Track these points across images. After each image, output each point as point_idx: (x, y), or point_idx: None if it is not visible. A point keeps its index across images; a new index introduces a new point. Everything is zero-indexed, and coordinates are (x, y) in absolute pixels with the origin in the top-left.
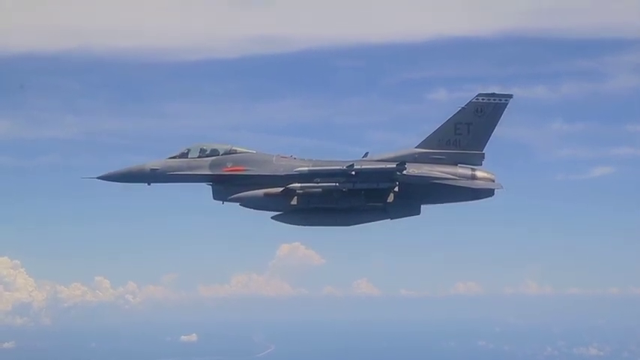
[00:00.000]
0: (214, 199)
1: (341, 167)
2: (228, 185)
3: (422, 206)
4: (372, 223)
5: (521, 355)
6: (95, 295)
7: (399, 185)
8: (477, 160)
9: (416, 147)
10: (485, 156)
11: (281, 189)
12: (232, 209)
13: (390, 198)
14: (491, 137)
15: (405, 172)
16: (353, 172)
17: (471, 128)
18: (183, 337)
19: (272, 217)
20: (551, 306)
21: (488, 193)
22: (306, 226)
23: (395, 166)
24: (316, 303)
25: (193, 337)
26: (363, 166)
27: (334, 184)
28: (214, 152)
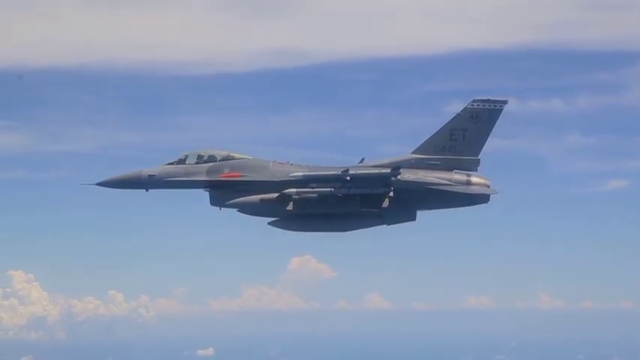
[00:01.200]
0: (212, 204)
1: (336, 172)
2: (226, 191)
3: (421, 213)
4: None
5: None
6: (108, 309)
7: (394, 191)
8: (472, 166)
9: (412, 153)
10: (481, 162)
11: (277, 194)
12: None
13: (385, 203)
14: (489, 145)
15: (399, 177)
16: (348, 178)
17: (467, 134)
18: (200, 351)
19: (269, 223)
20: (566, 320)
21: (484, 198)
22: (302, 232)
23: (389, 171)
24: (329, 317)
25: (210, 352)
26: (357, 172)
27: (329, 189)
28: (212, 158)
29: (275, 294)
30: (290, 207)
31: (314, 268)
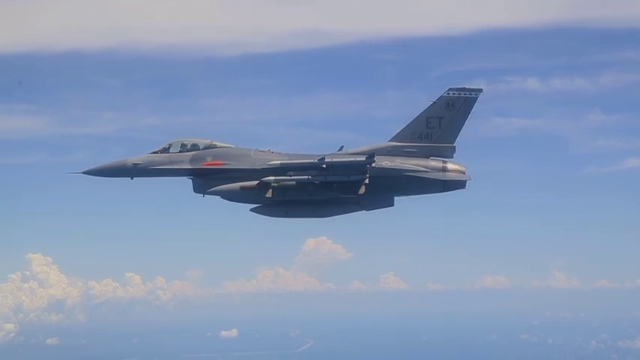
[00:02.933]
0: (195, 192)
1: (312, 160)
2: (208, 179)
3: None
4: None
5: (569, 349)
6: (126, 291)
7: (371, 177)
8: (448, 153)
9: (389, 140)
10: (456, 148)
11: (257, 182)
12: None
13: (362, 190)
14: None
15: (376, 164)
16: (324, 165)
17: (443, 122)
18: (223, 332)
19: (251, 210)
20: (582, 298)
21: (460, 184)
22: (283, 218)
23: (364, 158)
24: (344, 297)
25: (234, 333)
26: (333, 159)
27: (307, 177)
28: (195, 147)
29: (290, 275)
30: (269, 194)
31: (329, 249)
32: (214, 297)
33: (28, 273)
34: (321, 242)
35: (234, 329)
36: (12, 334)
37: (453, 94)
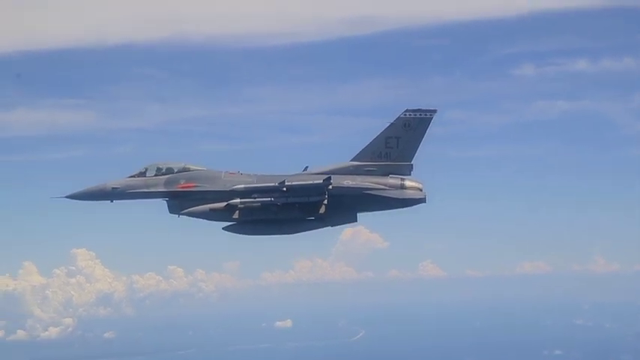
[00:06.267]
0: (170, 213)
1: (274, 184)
2: (182, 200)
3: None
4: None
5: (631, 334)
6: (169, 284)
7: (333, 196)
8: (406, 171)
9: (351, 160)
10: (414, 166)
11: (225, 204)
12: None
13: (322, 209)
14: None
15: (338, 183)
16: (284, 189)
17: (400, 142)
18: (278, 322)
19: (223, 228)
20: (627, 282)
21: (417, 201)
22: (253, 236)
23: (321, 181)
24: (384, 286)
25: (288, 323)
26: (293, 183)
27: (270, 199)
28: (169, 170)
29: (328, 265)
30: (236, 215)
31: (366, 238)
32: (254, 288)
33: (73, 268)
34: (358, 232)
35: (289, 319)
36: (70, 329)
37: (410, 115)
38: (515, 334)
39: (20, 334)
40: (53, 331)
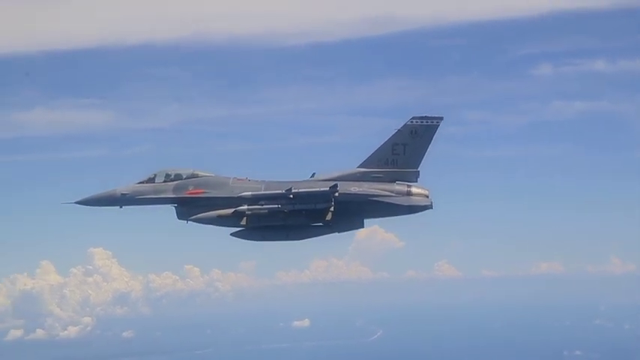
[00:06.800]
0: (178, 219)
1: (280, 191)
2: (190, 207)
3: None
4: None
5: None
6: (186, 284)
7: (340, 203)
8: (412, 178)
9: (358, 167)
10: (420, 173)
11: (232, 210)
12: None
13: (329, 216)
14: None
15: (343, 190)
16: (291, 196)
17: (407, 148)
18: (295, 322)
19: (231, 234)
20: None
21: (423, 208)
22: (261, 241)
23: (328, 189)
24: (399, 286)
25: (306, 323)
26: (300, 190)
27: (277, 205)
28: (178, 177)
29: (343, 265)
30: (244, 222)
31: (381, 237)
32: (270, 288)
33: (90, 267)
34: (374, 231)
35: (306, 319)
36: (89, 328)
37: (416, 122)
38: (534, 334)
39: (39, 333)
40: (72, 330)
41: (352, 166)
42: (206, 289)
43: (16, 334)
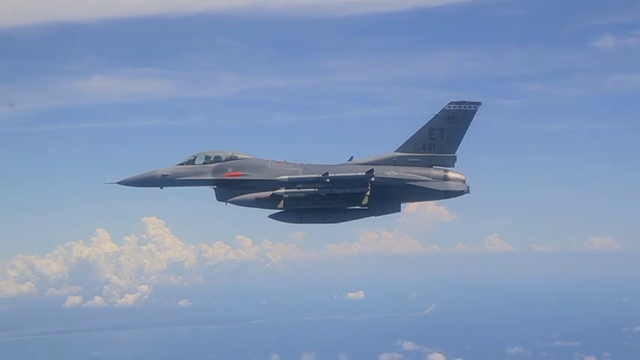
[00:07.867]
0: (217, 200)
1: (317, 175)
2: (229, 189)
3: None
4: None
5: None
6: (238, 254)
7: (377, 187)
8: (449, 162)
9: (395, 151)
10: (457, 158)
11: (270, 193)
12: None
13: (365, 200)
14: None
15: (380, 174)
16: (327, 180)
17: (444, 133)
18: (350, 294)
19: (269, 216)
20: None
21: (459, 193)
22: (298, 224)
23: (364, 173)
24: (450, 260)
25: (361, 295)
26: (336, 174)
27: (314, 189)
28: (217, 159)
29: (393, 237)
30: (281, 205)
31: (432, 210)
32: (320, 259)
33: (144, 236)
34: (424, 204)
35: (361, 291)
36: (145, 296)
37: (454, 107)
38: (592, 308)
39: (97, 300)
40: (130, 298)
41: (401, 141)
42: (258, 260)
43: (74, 300)
